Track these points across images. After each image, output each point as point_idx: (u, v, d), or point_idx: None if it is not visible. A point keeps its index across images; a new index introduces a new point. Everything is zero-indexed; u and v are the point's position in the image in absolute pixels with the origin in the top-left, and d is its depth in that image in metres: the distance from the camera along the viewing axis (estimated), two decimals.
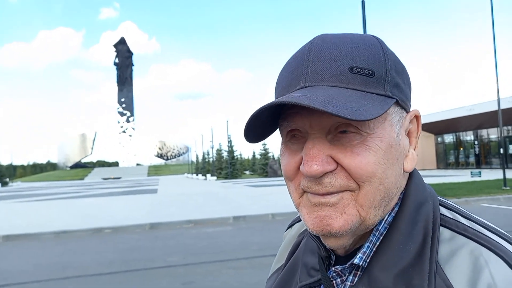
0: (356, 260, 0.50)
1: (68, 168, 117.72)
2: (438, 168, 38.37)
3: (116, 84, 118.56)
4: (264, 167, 46.65)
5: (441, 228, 0.49)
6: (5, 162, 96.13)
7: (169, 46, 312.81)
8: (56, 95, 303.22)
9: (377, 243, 0.50)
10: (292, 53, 0.54)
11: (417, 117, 0.53)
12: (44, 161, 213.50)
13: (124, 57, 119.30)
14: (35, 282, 5.58)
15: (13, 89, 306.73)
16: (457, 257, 0.46)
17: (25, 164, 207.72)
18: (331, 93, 0.45)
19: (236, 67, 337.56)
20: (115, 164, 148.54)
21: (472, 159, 34.74)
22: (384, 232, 0.51)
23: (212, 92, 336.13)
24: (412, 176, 0.54)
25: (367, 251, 0.50)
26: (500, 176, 17.91)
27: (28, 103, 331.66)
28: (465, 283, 0.43)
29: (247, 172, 61.02)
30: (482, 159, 33.71)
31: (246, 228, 9.43)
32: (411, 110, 0.53)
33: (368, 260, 0.50)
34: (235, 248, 7.15)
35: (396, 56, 0.51)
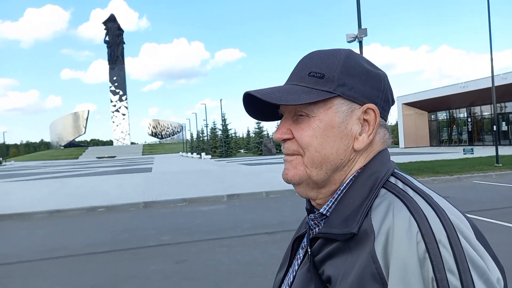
0: (321, 210, 0.70)
1: (62, 147, 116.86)
2: (431, 145, 38.47)
3: (107, 62, 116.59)
4: (258, 146, 46.65)
5: (382, 189, 0.65)
6: None
7: (161, 25, 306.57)
8: (47, 74, 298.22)
9: (339, 198, 0.68)
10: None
11: (373, 110, 0.67)
12: (37, 140, 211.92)
13: (114, 35, 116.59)
14: (26, 262, 5.56)
15: (2, 67, 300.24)
16: (380, 206, 0.62)
17: (18, 143, 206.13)
18: (283, 88, 0.68)
19: (230, 46, 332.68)
20: (109, 143, 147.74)
21: (465, 136, 34.86)
22: (345, 191, 0.68)
23: (206, 71, 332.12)
24: (377, 155, 0.70)
25: (330, 204, 0.69)
26: (493, 153, 18.05)
27: (18, 82, 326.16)
28: (378, 222, 0.60)
29: (242, 151, 61.04)
30: (475, 136, 33.87)
31: (240, 206, 9.45)
32: (367, 104, 0.67)
33: (331, 211, 0.69)
34: (229, 226, 7.16)
35: (360, 65, 0.68)
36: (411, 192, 0.62)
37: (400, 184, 0.65)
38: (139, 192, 12.23)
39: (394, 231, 0.57)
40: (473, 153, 20.72)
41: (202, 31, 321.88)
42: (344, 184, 0.69)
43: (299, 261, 0.75)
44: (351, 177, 0.69)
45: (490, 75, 14.99)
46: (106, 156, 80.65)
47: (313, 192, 0.70)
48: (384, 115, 0.70)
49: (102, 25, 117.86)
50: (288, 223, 7.03)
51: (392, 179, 0.66)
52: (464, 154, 20.84)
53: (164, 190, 12.58)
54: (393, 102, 0.73)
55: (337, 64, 0.67)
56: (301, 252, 0.75)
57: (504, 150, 21.78)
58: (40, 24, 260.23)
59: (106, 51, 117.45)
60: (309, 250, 0.69)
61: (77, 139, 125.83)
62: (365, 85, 0.67)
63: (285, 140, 0.70)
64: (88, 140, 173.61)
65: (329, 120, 0.66)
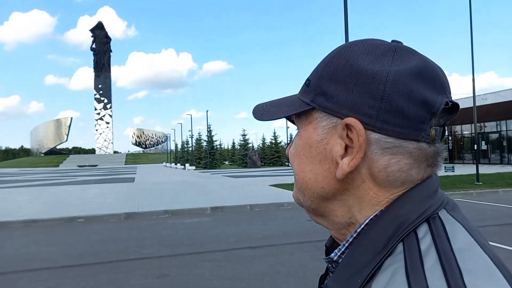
0: (332, 254, 0.55)
1: (42, 155, 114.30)
2: None
3: (93, 70, 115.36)
4: (243, 158, 46.51)
5: (400, 244, 0.47)
6: None
7: (149, 35, 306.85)
8: (30, 79, 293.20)
9: (354, 243, 0.52)
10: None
11: (351, 126, 0.49)
12: (17, 147, 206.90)
13: (101, 42, 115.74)
14: (0, 274, 5.32)
15: None
16: (384, 273, 0.45)
17: None
18: (284, 99, 0.60)
19: (217, 58, 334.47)
20: (92, 151, 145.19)
21: (446, 154, 35.41)
22: (363, 233, 0.52)
23: (193, 82, 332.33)
24: (412, 188, 0.50)
25: (342, 248, 0.54)
26: (473, 171, 18.40)
27: (0, 86, 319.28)
28: None
29: (226, 162, 60.75)
30: (455, 154, 34.59)
31: (224, 219, 9.32)
32: (346, 119, 0.50)
33: (343, 257, 0.53)
34: (212, 240, 7.03)
35: (351, 63, 0.50)
36: (431, 261, 0.43)
37: (427, 241, 0.45)
38: (120, 203, 11.97)
39: None
40: (454, 171, 21.07)
41: (190, 43, 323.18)
42: (362, 225, 0.52)
43: None
44: (371, 216, 0.51)
45: (472, 95, 15.37)
46: (87, 164, 79.09)
47: (318, 219, 0.59)
48: (394, 132, 0.48)
49: (89, 32, 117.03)
50: (272, 237, 6.95)
51: (423, 229, 0.47)
52: (445, 171, 21.17)
53: (147, 201, 12.34)
54: (431, 114, 0.48)
55: (321, 65, 0.54)
56: None
57: (484, 169, 22.25)
58: (25, 28, 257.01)
59: (92, 58, 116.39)
60: None
61: (58, 147, 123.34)
62: (351, 91, 0.49)
63: None
64: (70, 148, 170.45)
65: (307, 137, 0.55)
